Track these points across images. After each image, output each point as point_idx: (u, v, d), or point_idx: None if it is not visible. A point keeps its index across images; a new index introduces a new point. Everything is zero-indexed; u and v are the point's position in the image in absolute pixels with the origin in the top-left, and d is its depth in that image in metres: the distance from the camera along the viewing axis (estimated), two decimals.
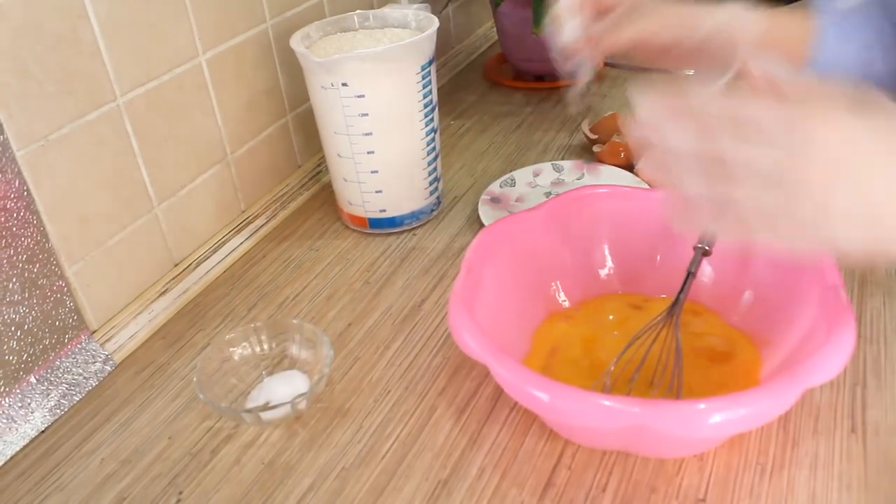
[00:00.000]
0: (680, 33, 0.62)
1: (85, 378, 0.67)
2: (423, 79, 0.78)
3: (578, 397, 0.48)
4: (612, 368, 0.58)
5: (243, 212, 0.88)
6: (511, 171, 0.91)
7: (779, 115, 0.41)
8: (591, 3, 0.61)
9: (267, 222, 0.88)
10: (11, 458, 0.61)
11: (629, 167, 0.89)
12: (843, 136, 0.41)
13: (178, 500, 0.56)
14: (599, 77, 1.18)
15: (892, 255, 0.43)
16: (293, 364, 0.66)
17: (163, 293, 0.76)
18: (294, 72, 0.91)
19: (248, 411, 0.60)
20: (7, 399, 0.63)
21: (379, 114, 0.77)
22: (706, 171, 0.43)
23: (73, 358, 0.67)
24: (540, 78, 1.17)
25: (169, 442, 0.61)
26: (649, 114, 0.45)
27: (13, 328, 0.63)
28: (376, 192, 0.81)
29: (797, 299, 0.58)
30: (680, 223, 0.47)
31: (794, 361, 0.50)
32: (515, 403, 0.61)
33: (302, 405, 0.61)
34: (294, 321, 0.67)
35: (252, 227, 0.87)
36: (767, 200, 0.42)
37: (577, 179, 0.89)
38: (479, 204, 0.85)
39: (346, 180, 0.82)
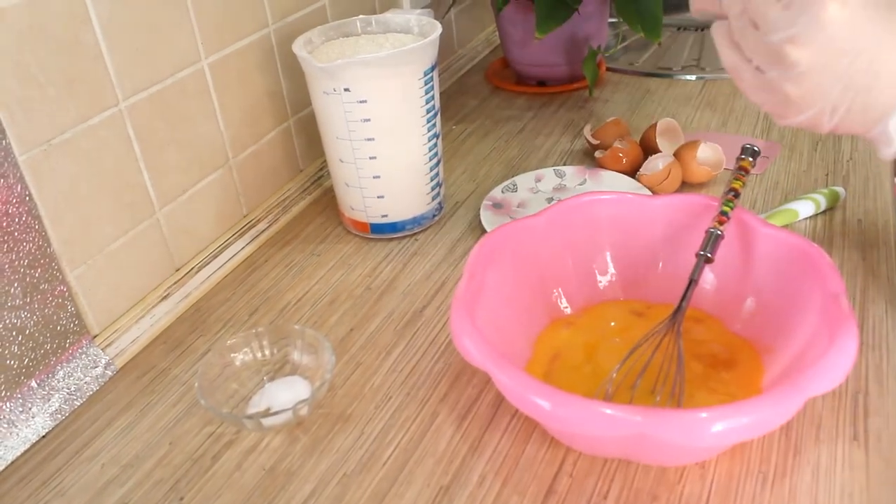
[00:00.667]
0: None
1: (86, 383, 0.67)
2: (426, 84, 0.78)
3: (580, 405, 0.48)
4: (614, 376, 0.58)
5: (245, 216, 0.88)
6: (513, 177, 0.91)
7: None
8: None
9: (269, 227, 0.88)
10: (12, 462, 0.61)
11: (631, 173, 0.89)
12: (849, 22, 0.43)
13: None
14: (601, 82, 1.18)
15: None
16: (295, 370, 0.66)
17: (164, 298, 0.76)
18: (296, 76, 0.91)
19: (250, 417, 0.60)
20: (8, 404, 0.62)
21: (381, 119, 0.77)
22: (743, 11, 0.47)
23: (75, 363, 0.67)
24: (542, 83, 1.18)
25: (170, 447, 0.61)
26: None
27: (14, 333, 0.63)
28: (378, 197, 0.81)
29: (799, 306, 0.57)
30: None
31: (796, 369, 0.50)
32: (517, 410, 0.61)
33: (303, 411, 0.61)
34: (296, 326, 0.67)
35: (254, 231, 0.87)
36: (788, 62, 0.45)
37: (580, 185, 0.89)
38: (481, 209, 0.85)
39: (347, 185, 0.82)
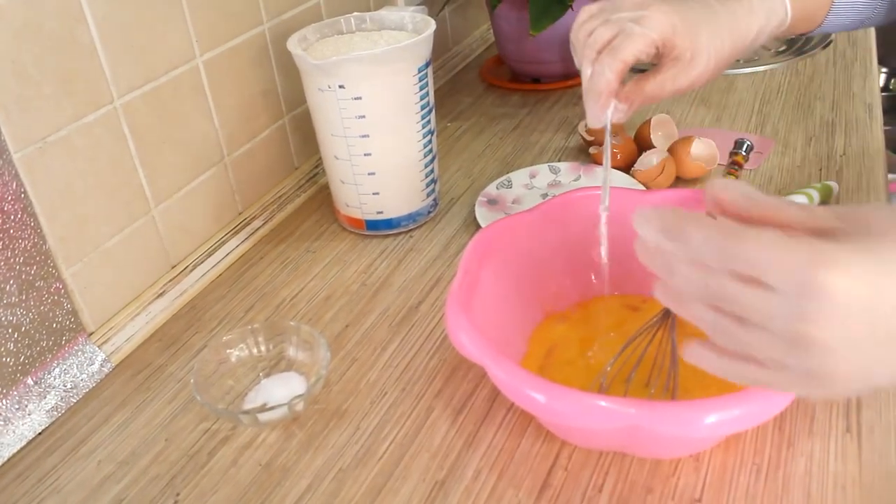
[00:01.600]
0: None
1: (82, 380, 0.67)
2: (420, 81, 0.78)
3: (575, 398, 0.48)
4: (609, 369, 0.59)
5: (240, 213, 0.88)
6: (508, 173, 0.91)
7: (782, 258, 0.36)
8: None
9: (264, 224, 0.88)
10: (8, 460, 0.61)
11: (626, 169, 0.89)
12: (858, 281, 0.35)
13: (176, 502, 0.56)
14: None
15: None
16: (290, 366, 0.66)
17: (160, 295, 0.76)
18: (291, 74, 0.91)
19: (246, 413, 0.60)
20: (4, 401, 0.63)
21: (376, 116, 0.77)
22: (713, 306, 0.40)
23: (71, 360, 0.68)
24: (537, 80, 1.18)
25: (166, 444, 0.61)
26: (651, 237, 0.41)
27: (10, 330, 0.63)
28: (373, 193, 0.82)
29: None
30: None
31: None
32: (512, 405, 0.61)
33: (299, 407, 0.61)
34: (291, 323, 0.67)
35: (249, 228, 0.87)
36: (778, 351, 0.38)
37: (574, 181, 0.89)
38: (476, 205, 0.85)
39: (343, 182, 0.82)
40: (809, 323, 0.35)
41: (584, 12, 0.58)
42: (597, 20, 0.56)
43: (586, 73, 0.56)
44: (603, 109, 0.54)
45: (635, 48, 0.53)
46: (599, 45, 0.55)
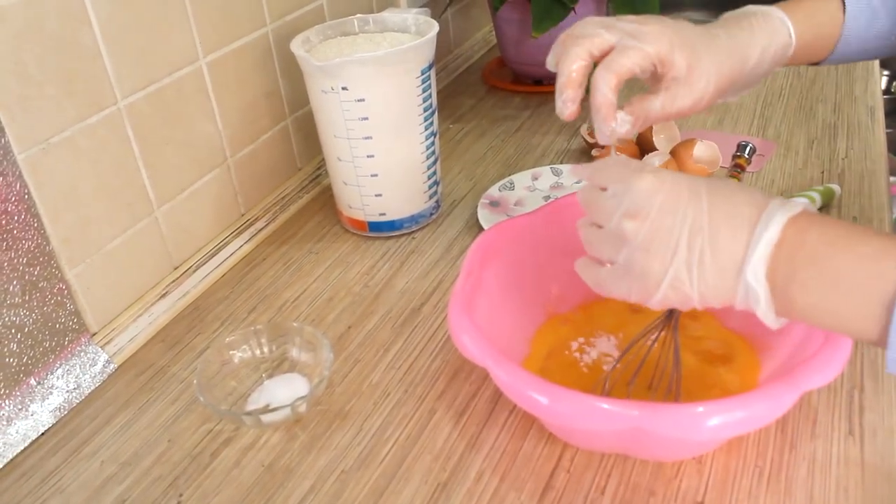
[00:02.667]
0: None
1: (85, 381, 0.67)
2: (423, 83, 0.78)
3: (577, 400, 0.48)
4: (611, 372, 0.59)
5: (243, 215, 0.89)
6: (510, 175, 0.91)
7: (622, 171, 0.49)
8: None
9: (266, 225, 0.88)
10: (12, 460, 0.61)
11: None
12: (664, 185, 0.46)
13: (178, 503, 0.56)
14: None
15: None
16: (293, 367, 0.66)
17: (163, 296, 0.76)
18: (294, 75, 0.91)
19: (248, 414, 0.60)
20: (7, 401, 0.63)
21: (379, 117, 0.77)
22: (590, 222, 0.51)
23: (73, 360, 0.68)
24: (539, 82, 1.18)
25: (169, 444, 0.61)
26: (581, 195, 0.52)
27: (13, 331, 0.63)
28: (376, 195, 0.82)
29: None
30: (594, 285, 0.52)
31: (791, 365, 0.51)
32: (514, 406, 0.61)
33: (302, 408, 0.61)
34: (294, 324, 0.67)
35: (252, 230, 0.87)
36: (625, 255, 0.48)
37: (576, 183, 0.89)
38: (478, 207, 0.85)
39: (345, 184, 0.82)
40: (628, 217, 0.47)
41: (585, 20, 0.58)
42: (597, 25, 0.56)
43: (563, 66, 0.56)
44: (606, 122, 0.54)
45: (629, 62, 0.54)
46: (594, 47, 0.55)
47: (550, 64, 0.58)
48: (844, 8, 0.62)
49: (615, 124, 0.55)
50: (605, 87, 0.54)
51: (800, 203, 0.45)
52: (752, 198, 0.46)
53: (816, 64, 0.65)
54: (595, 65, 0.56)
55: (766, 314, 0.45)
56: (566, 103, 0.56)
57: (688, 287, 0.46)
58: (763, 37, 0.60)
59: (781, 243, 0.44)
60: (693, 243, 0.45)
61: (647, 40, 0.54)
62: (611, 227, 0.48)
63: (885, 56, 0.67)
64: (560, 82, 0.56)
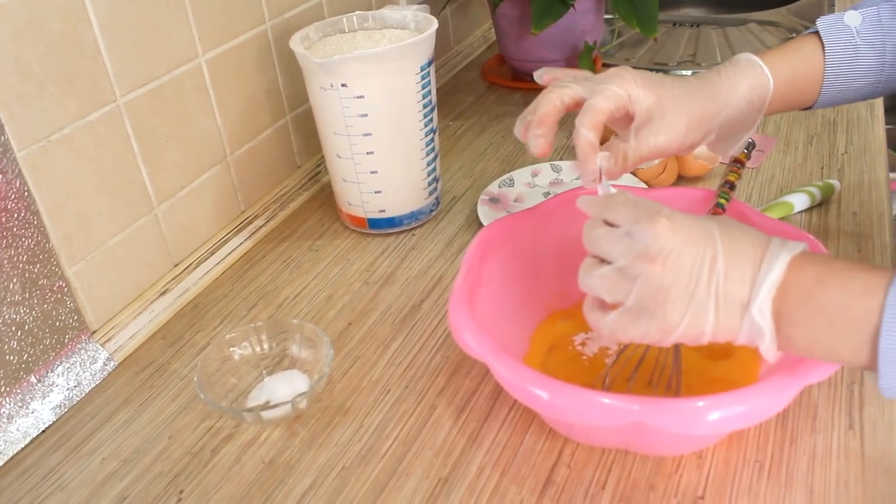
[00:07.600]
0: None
1: (85, 378, 0.67)
2: (423, 79, 0.78)
3: (578, 395, 0.49)
4: (612, 367, 0.59)
5: (243, 212, 0.89)
6: (510, 172, 0.91)
7: (635, 209, 0.48)
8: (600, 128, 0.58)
9: (266, 223, 0.88)
10: (12, 457, 0.61)
11: None
12: (681, 227, 0.46)
13: (179, 500, 0.56)
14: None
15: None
16: (293, 364, 0.66)
17: (163, 293, 0.77)
18: (293, 73, 0.91)
19: (249, 410, 0.61)
20: (8, 399, 0.63)
21: (378, 114, 0.77)
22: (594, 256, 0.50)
23: (74, 358, 0.68)
24: None
25: (169, 441, 0.61)
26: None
27: (14, 328, 0.63)
28: (375, 192, 0.82)
29: None
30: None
31: (792, 359, 0.51)
32: (515, 402, 0.61)
33: (302, 404, 0.61)
34: (294, 321, 0.67)
35: (251, 227, 0.87)
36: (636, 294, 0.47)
37: (576, 179, 0.89)
38: (478, 204, 0.85)
39: (345, 181, 0.82)
40: (645, 260, 0.46)
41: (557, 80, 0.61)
42: (568, 80, 0.59)
43: (537, 110, 0.58)
44: (589, 160, 0.56)
45: (605, 102, 0.56)
46: (564, 95, 0.58)
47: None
48: (824, 50, 0.63)
49: (598, 162, 0.56)
50: (585, 130, 0.56)
51: (798, 244, 0.46)
52: (757, 238, 0.47)
53: (809, 108, 0.66)
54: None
55: (769, 349, 0.46)
56: (537, 138, 0.57)
57: (703, 326, 0.46)
58: (731, 73, 0.61)
59: (781, 283, 0.45)
60: (710, 285, 0.46)
61: (615, 83, 0.57)
62: (622, 266, 0.47)
63: (880, 96, 0.67)
64: (532, 120, 0.58)
